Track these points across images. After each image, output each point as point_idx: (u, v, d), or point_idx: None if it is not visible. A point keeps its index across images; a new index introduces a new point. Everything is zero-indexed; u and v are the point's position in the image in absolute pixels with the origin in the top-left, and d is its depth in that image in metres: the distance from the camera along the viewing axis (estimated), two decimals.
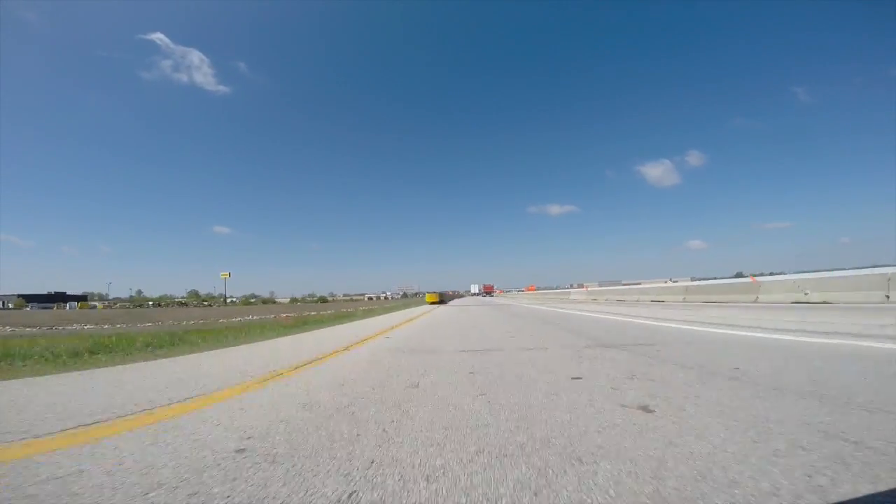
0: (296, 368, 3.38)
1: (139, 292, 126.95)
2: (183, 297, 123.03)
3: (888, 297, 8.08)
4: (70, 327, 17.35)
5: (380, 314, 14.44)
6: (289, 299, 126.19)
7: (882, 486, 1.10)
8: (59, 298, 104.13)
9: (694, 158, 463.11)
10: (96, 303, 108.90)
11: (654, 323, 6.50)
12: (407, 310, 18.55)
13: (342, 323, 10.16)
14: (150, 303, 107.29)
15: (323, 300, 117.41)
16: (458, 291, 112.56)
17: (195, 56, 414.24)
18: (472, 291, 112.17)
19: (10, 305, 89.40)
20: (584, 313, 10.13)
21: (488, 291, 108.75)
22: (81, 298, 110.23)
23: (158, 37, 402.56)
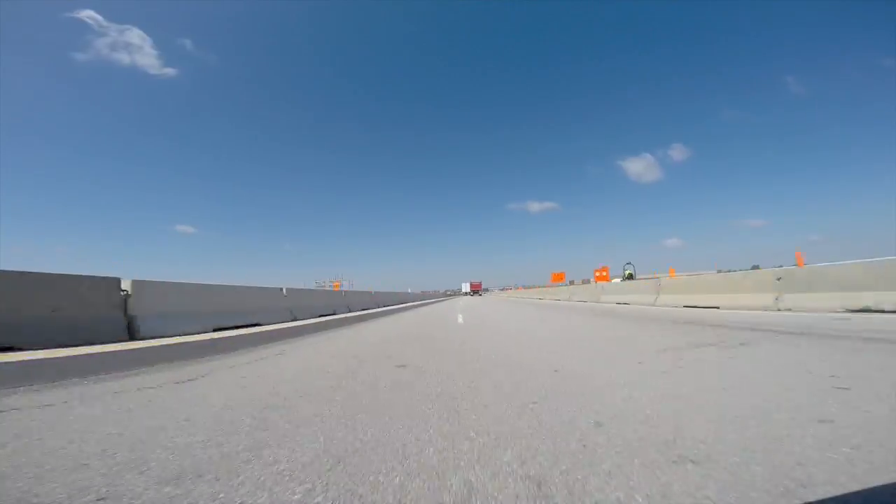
0: None
1: None
2: None
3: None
4: None
5: None
6: None
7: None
8: None
9: (677, 152, 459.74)
10: None
11: None
12: None
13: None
14: None
15: None
16: (439, 290, 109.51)
17: (134, 34, 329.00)
18: (463, 290, 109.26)
19: None
20: None
21: (475, 290, 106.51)
22: None
23: (89, 14, 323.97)
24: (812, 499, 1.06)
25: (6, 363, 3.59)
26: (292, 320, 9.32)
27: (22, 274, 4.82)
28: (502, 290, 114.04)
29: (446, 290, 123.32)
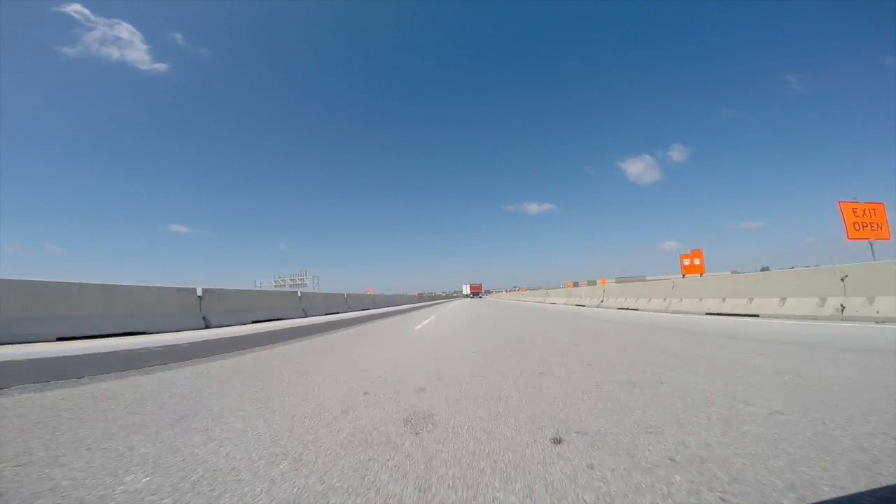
0: None
1: None
2: None
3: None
4: None
5: None
6: None
7: None
8: None
9: (677, 153, 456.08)
10: None
11: None
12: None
13: None
14: None
15: None
16: (435, 292, 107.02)
17: (123, 28, 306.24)
18: (464, 292, 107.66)
19: None
20: None
21: (476, 292, 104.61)
22: None
23: (75, 9, 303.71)
24: (813, 500, 0.98)
25: None
26: (205, 328, 7.23)
27: None
28: (508, 290, 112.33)
29: (443, 292, 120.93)
